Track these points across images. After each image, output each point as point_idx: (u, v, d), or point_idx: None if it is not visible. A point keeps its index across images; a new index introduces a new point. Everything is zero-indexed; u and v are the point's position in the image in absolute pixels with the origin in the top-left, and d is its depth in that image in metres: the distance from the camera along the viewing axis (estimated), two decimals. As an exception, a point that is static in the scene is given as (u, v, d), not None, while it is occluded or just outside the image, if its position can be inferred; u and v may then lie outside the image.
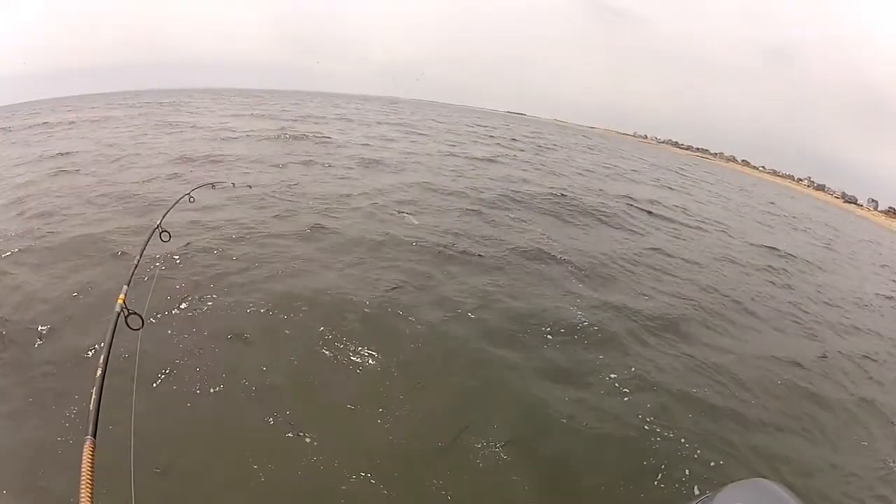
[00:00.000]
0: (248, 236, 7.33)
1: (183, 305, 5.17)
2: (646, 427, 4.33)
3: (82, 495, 1.15)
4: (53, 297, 5.27)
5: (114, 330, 1.81)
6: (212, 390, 3.97)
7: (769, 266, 11.28)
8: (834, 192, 71.86)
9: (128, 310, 1.95)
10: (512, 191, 13.07)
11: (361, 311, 5.39)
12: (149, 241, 3.11)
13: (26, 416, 3.68)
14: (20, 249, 6.60)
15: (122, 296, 2.02)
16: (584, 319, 5.96)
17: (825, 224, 27.23)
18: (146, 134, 19.46)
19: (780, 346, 6.76)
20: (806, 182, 79.08)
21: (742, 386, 5.33)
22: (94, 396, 1.45)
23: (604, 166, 26.01)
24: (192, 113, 30.73)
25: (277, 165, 13.49)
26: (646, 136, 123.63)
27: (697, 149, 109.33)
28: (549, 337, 5.52)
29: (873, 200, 62.95)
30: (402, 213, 9.62)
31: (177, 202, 4.39)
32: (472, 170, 16.45)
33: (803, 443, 4.71)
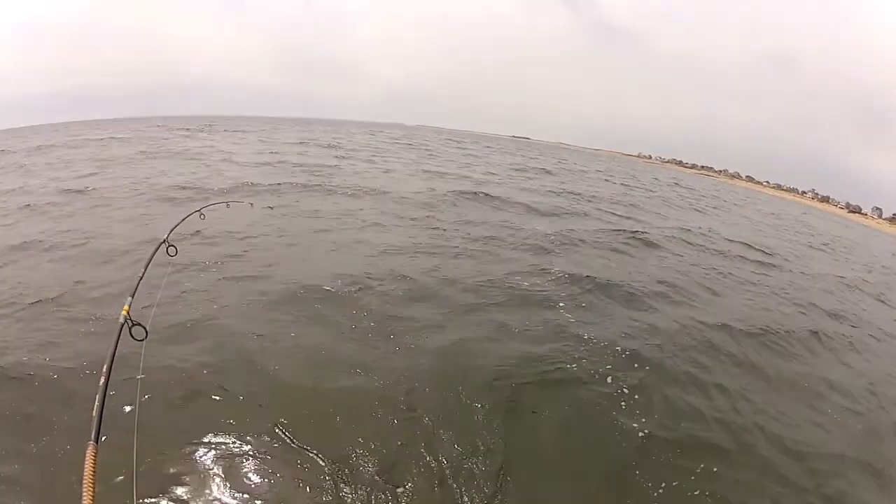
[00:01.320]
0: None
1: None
2: None
3: (84, 499, 1.18)
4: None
5: (117, 340, 1.86)
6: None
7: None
8: (838, 202, 73.99)
9: (132, 321, 1.98)
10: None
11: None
12: (154, 254, 3.18)
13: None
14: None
15: (126, 307, 2.04)
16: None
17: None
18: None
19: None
20: (810, 195, 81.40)
21: None
22: (96, 403, 1.48)
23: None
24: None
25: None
26: (650, 157, 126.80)
27: (702, 166, 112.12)
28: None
29: (877, 209, 64.94)
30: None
31: (186, 217, 4.48)
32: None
33: None
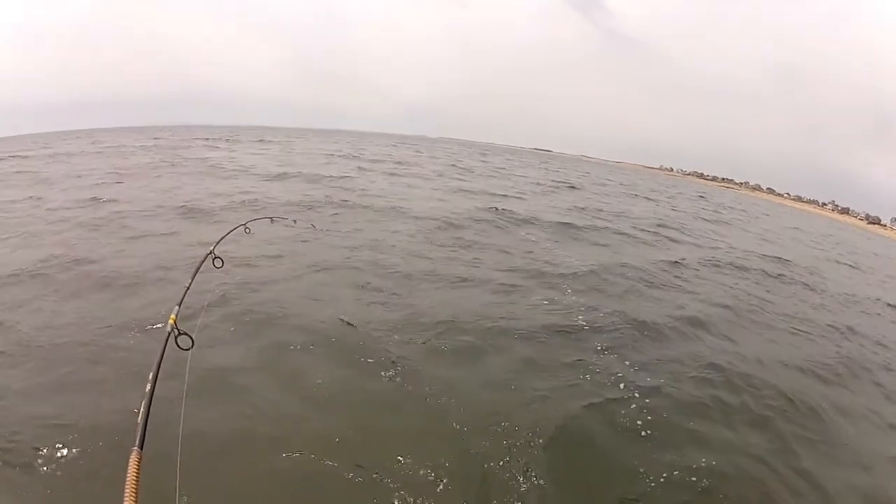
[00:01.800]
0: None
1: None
2: None
3: None
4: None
5: (164, 348, 1.90)
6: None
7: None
8: (858, 214, 74.69)
9: (178, 330, 2.03)
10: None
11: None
12: (201, 265, 3.25)
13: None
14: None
15: (173, 316, 2.10)
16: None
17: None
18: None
19: None
20: (830, 206, 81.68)
21: None
22: (142, 410, 1.51)
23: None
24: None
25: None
26: (671, 169, 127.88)
27: (723, 179, 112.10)
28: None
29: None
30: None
31: (232, 230, 4.50)
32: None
33: None
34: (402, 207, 13.87)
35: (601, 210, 19.55)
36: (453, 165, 34.03)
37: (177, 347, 2.00)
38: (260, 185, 16.51)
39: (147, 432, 1.46)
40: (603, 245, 12.63)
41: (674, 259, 11.57)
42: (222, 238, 4.03)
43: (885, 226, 67.25)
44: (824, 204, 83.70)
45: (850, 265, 18.34)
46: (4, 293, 6.20)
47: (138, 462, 1.32)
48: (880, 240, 45.67)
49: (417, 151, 48.86)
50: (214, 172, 19.15)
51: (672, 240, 15.13)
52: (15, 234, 9.07)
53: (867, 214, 71.44)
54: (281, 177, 18.98)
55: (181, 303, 2.38)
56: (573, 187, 29.12)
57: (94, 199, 12.40)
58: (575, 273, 8.95)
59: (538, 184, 28.54)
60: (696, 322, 7.24)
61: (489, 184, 24.32)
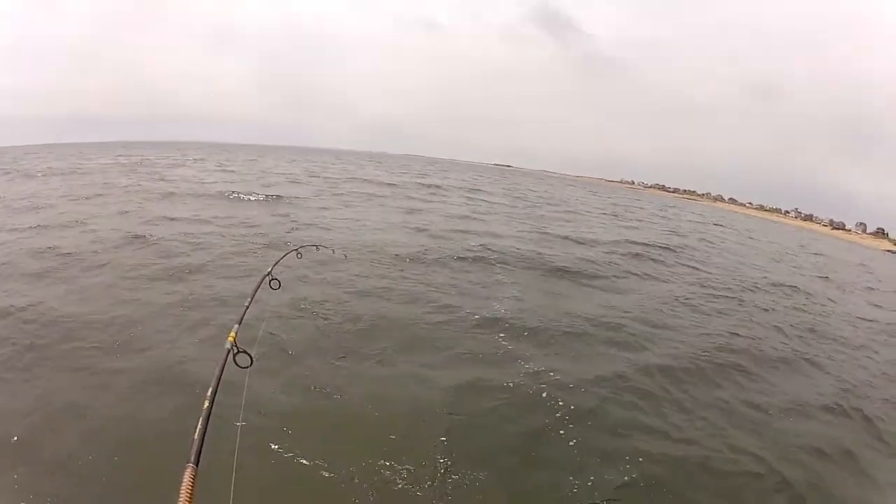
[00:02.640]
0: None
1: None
2: None
3: None
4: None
5: (223, 366, 1.90)
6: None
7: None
8: (822, 220, 75.89)
9: (237, 348, 2.03)
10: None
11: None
12: (259, 286, 3.33)
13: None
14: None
15: (232, 333, 2.10)
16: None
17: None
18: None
19: None
20: (793, 214, 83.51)
21: None
22: (199, 426, 1.50)
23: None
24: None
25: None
26: (633, 182, 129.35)
27: (684, 191, 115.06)
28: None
29: (861, 224, 66.40)
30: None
31: (285, 255, 4.78)
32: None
33: None
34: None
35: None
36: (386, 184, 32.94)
37: (235, 365, 2.00)
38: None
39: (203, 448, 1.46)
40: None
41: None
42: (277, 262, 4.11)
43: (849, 230, 67.63)
44: (787, 212, 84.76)
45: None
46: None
47: (193, 478, 1.32)
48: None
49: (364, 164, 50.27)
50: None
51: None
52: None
53: (831, 220, 72.14)
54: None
55: (241, 321, 2.42)
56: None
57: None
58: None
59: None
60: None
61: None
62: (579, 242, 16.16)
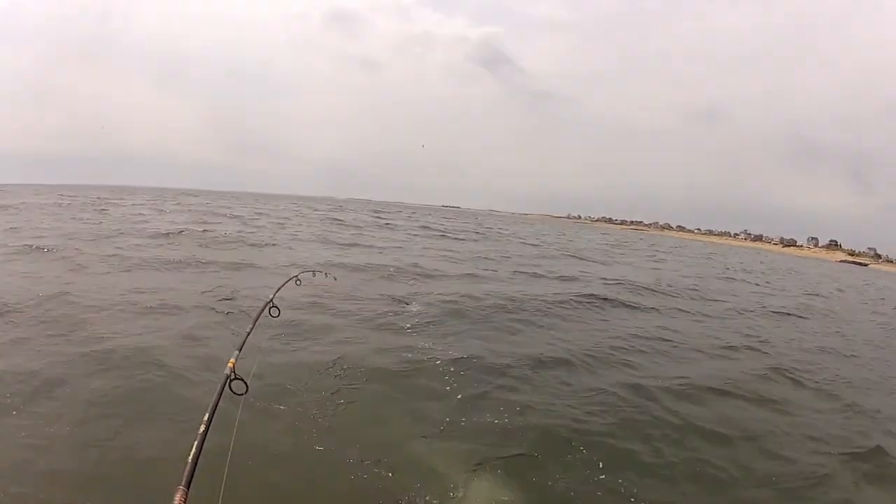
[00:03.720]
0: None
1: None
2: None
3: None
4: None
5: (221, 392, 1.85)
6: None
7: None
8: (772, 239, 74.39)
9: (235, 375, 1.97)
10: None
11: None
12: (261, 314, 3.23)
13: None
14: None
15: (232, 360, 2.07)
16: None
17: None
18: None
19: None
20: (742, 236, 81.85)
21: None
22: (193, 450, 1.45)
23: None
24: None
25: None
26: (579, 217, 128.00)
27: (631, 222, 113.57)
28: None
29: (813, 238, 65.22)
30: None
31: (286, 283, 4.56)
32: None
33: None
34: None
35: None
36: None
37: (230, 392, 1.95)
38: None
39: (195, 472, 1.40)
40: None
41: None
42: (278, 290, 4.02)
43: (801, 246, 65.93)
44: (737, 234, 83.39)
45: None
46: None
47: (183, 501, 1.26)
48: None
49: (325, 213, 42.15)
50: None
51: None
52: None
53: (782, 238, 70.92)
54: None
55: (241, 348, 2.38)
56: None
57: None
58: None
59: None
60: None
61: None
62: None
